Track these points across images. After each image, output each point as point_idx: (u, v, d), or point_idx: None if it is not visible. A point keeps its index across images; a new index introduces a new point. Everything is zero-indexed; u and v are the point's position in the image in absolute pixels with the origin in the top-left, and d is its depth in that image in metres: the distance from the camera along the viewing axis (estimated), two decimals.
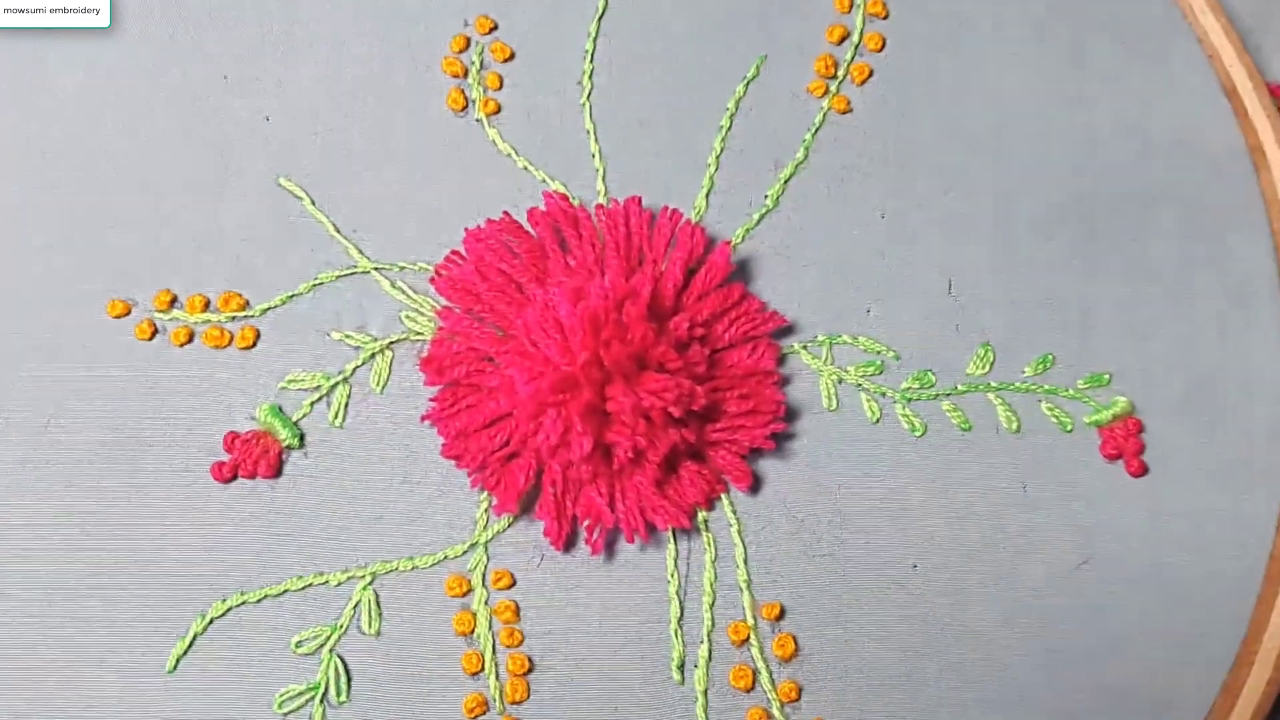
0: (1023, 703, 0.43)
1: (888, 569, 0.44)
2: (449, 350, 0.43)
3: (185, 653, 0.41)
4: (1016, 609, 0.44)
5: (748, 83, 0.48)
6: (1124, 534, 0.45)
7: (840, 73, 0.49)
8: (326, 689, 0.41)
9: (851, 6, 0.49)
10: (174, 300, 0.44)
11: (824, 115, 0.48)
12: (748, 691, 0.42)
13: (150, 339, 0.44)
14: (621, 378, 0.40)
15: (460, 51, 0.48)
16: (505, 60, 0.48)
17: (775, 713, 0.42)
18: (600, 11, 0.48)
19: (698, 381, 0.42)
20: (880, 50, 0.49)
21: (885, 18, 0.50)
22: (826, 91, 0.49)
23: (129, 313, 0.44)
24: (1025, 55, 0.50)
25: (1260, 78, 0.51)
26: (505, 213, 0.43)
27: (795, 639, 0.43)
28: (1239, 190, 0.49)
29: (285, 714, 0.41)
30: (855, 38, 0.49)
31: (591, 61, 0.48)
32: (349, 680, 0.41)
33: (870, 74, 0.49)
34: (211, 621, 0.41)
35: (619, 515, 0.42)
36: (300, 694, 0.41)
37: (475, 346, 0.43)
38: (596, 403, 0.40)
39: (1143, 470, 0.46)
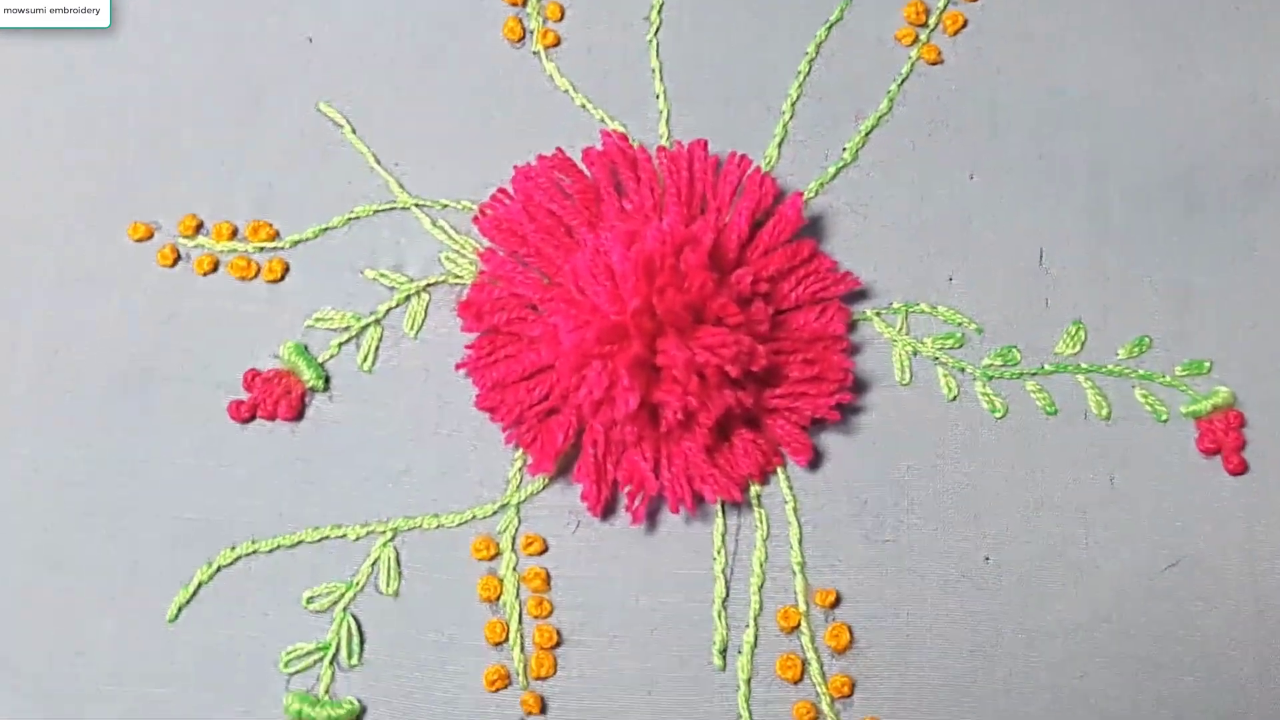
0: (1098, 714, 0.41)
1: (957, 560, 0.42)
2: (489, 295, 0.42)
3: (188, 602, 0.40)
4: (1097, 611, 0.42)
5: (830, 26, 0.47)
6: (1219, 537, 0.43)
7: (932, 21, 0.47)
8: (337, 650, 0.40)
9: None
10: (200, 226, 0.44)
11: (912, 65, 0.47)
12: (795, 683, 0.41)
13: (172, 266, 0.43)
14: (675, 330, 0.39)
15: None
16: None
17: (824, 708, 0.41)
18: None
19: (759, 341, 0.40)
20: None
21: None
22: (915, 40, 0.47)
23: (151, 237, 0.43)
24: (1128, 17, 0.48)
25: None
26: (558, 149, 0.43)
27: (850, 630, 0.41)
28: None
29: (291, 673, 0.40)
30: None
31: None
32: (362, 642, 0.40)
33: (964, 24, 0.47)
34: (219, 570, 0.41)
35: (664, 482, 0.41)
36: (309, 653, 0.40)
37: (518, 292, 0.42)
38: (646, 356, 0.39)
39: (1243, 468, 0.44)
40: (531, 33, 0.46)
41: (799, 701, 0.41)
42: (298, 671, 0.40)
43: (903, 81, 0.47)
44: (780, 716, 0.41)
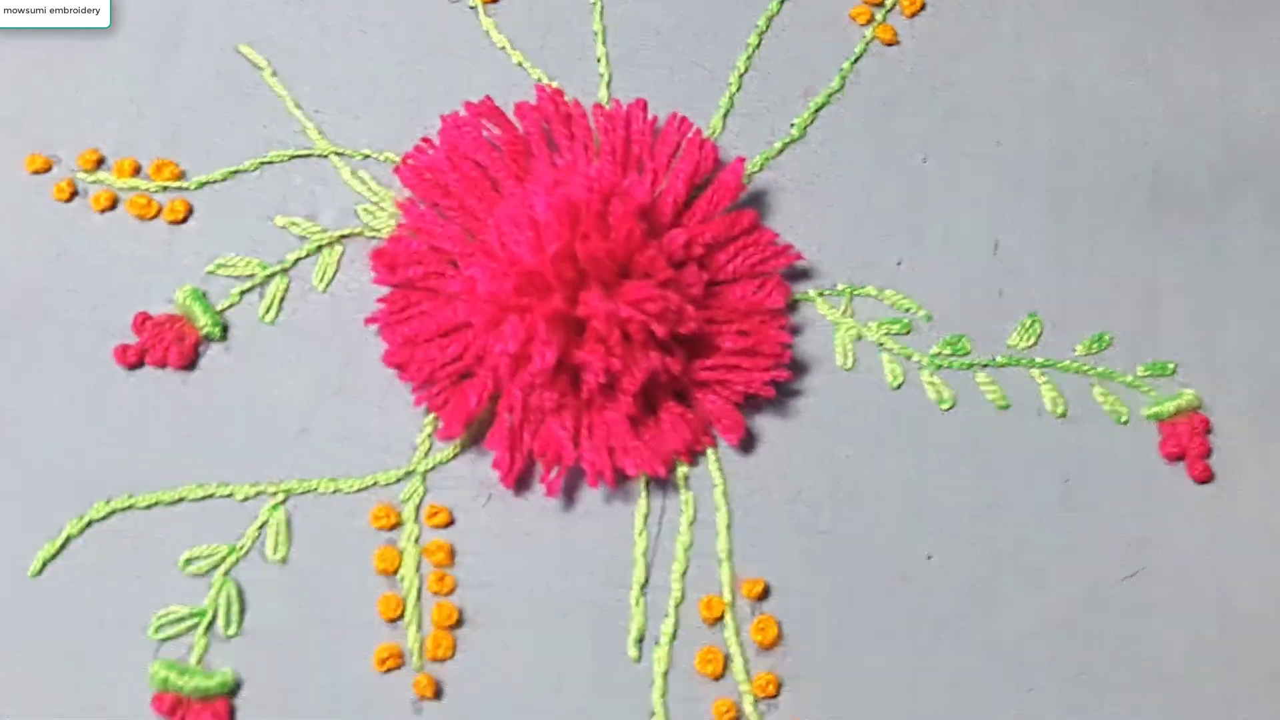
0: None
1: (897, 557, 0.41)
2: (407, 247, 0.41)
3: (54, 556, 0.38)
4: (1049, 621, 0.41)
5: (781, 1, 0.48)
6: (1182, 547, 0.42)
7: (889, 1, 0.48)
8: (214, 617, 0.38)
9: None
10: (101, 161, 0.43)
11: (866, 45, 0.47)
12: (716, 679, 0.39)
13: (68, 200, 0.42)
14: (599, 283, 0.39)
15: None
16: None
17: (746, 708, 0.39)
18: None
19: (690, 305, 0.40)
20: None
21: None
22: (871, 20, 0.48)
23: (49, 169, 0.43)
24: (1098, 7, 0.49)
25: None
26: (487, 98, 0.42)
27: (779, 625, 0.40)
28: None
29: (161, 640, 0.38)
30: None
31: None
32: (242, 611, 0.39)
33: (923, 6, 0.48)
34: (90, 524, 0.39)
35: (583, 454, 0.40)
36: (182, 619, 0.38)
37: (437, 246, 0.41)
38: (567, 311, 0.38)
39: (1208, 475, 0.43)
40: None
41: (719, 699, 0.39)
42: (168, 638, 0.38)
43: (856, 60, 0.47)
44: (698, 714, 0.39)
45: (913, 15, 0.48)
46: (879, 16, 0.48)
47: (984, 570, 0.41)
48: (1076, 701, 0.40)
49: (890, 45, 0.47)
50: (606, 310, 0.38)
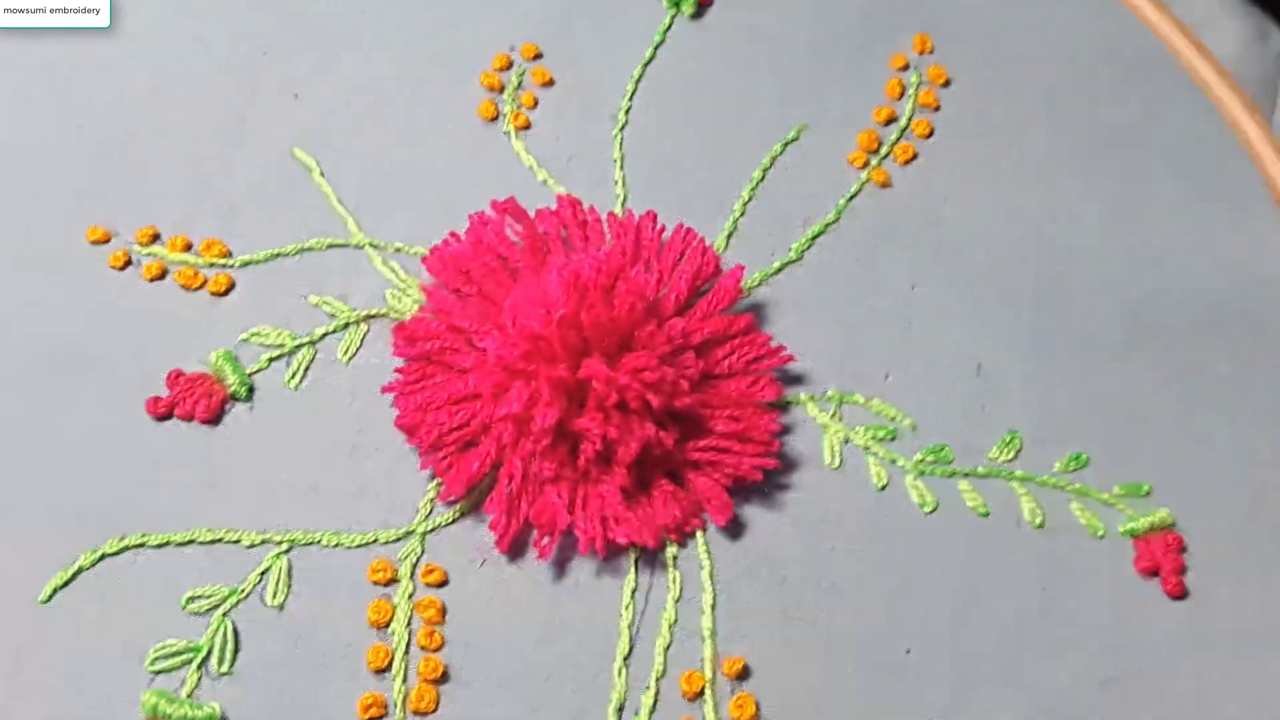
0: None
1: (877, 649, 0.42)
2: (426, 324, 0.45)
3: (64, 585, 0.40)
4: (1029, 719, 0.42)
5: (786, 144, 0.52)
6: (1161, 660, 0.43)
7: (884, 150, 0.53)
8: (209, 654, 0.40)
9: (903, 93, 0.54)
10: (156, 237, 0.47)
11: (862, 185, 0.52)
12: None
13: (122, 269, 0.46)
14: (601, 353, 0.42)
15: (501, 70, 0.52)
16: (544, 84, 0.52)
17: None
18: (648, 58, 0.53)
19: (686, 383, 0.43)
20: (928, 137, 0.53)
21: (937, 109, 0.54)
22: (866, 164, 0.52)
23: (108, 240, 0.46)
24: (1081, 166, 0.53)
25: None
26: (512, 197, 0.47)
27: (757, 704, 0.41)
28: None
29: (156, 672, 0.39)
30: (903, 121, 0.53)
31: (631, 100, 0.52)
32: (236, 650, 0.40)
33: (915, 156, 0.53)
34: (103, 558, 0.41)
35: (576, 521, 0.42)
36: (177, 653, 0.39)
37: (455, 324, 0.44)
38: (569, 378, 0.41)
39: (1181, 591, 0.44)
40: (504, 115, 0.51)
41: None
42: (163, 670, 0.39)
43: (851, 197, 0.51)
44: None
45: (906, 163, 0.52)
46: (874, 161, 0.52)
47: (961, 667, 0.42)
48: None
49: (884, 187, 0.52)
50: (606, 376, 0.40)
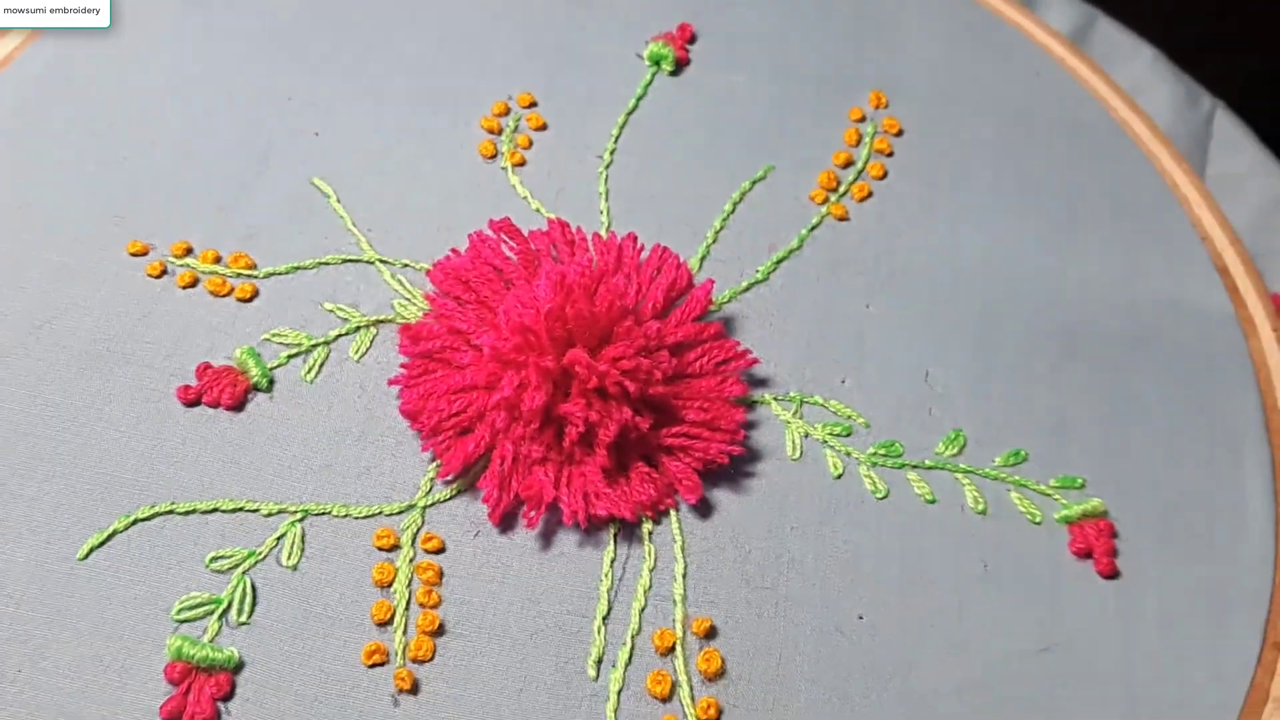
0: None
1: (832, 614, 0.47)
2: (429, 326, 0.50)
3: (100, 545, 0.45)
4: (970, 681, 0.46)
5: (754, 182, 0.58)
6: (1092, 632, 0.47)
7: (842, 189, 0.59)
8: (229, 607, 0.44)
9: (859, 140, 0.61)
10: (189, 250, 0.53)
11: (822, 218, 0.58)
12: (664, 701, 0.44)
13: (158, 277, 0.52)
14: (584, 346, 0.47)
15: (500, 115, 0.59)
16: (538, 129, 0.59)
17: None
18: (631, 108, 0.60)
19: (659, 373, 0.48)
20: (882, 178, 0.59)
21: (890, 154, 0.61)
22: (826, 200, 0.58)
23: (146, 253, 0.52)
24: (1022, 205, 0.59)
25: (1252, 263, 0.60)
26: (508, 217, 0.52)
27: (723, 659, 0.45)
28: (1228, 349, 0.56)
29: (180, 622, 0.44)
30: (860, 164, 0.60)
31: (615, 143, 0.59)
32: (253, 604, 0.44)
33: (870, 194, 0.59)
34: (136, 522, 0.45)
35: (560, 496, 0.47)
36: (200, 604, 0.44)
37: (455, 327, 0.50)
38: (554, 369, 0.47)
39: (1113, 571, 0.49)
40: (502, 154, 0.58)
41: (666, 716, 0.44)
42: (187, 620, 0.44)
43: (813, 229, 0.57)
44: None
45: (862, 200, 0.59)
46: (833, 198, 0.58)
47: (909, 632, 0.47)
48: None
49: (842, 220, 0.58)
50: (587, 363, 0.46)
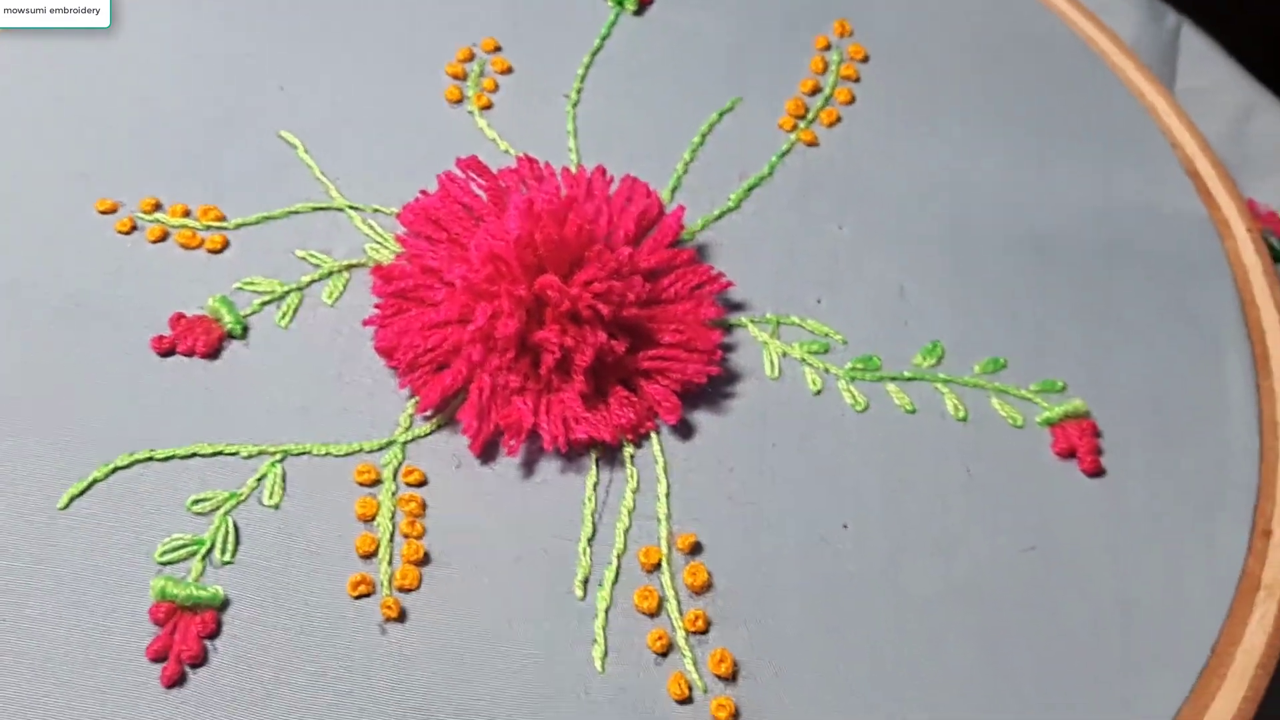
0: (956, 677, 0.43)
1: (816, 526, 0.46)
2: (402, 266, 0.50)
3: (80, 494, 0.44)
4: (957, 583, 0.45)
5: (722, 113, 0.58)
6: (1077, 530, 0.47)
7: (810, 115, 0.59)
8: (212, 547, 0.44)
9: (826, 68, 0.61)
10: (158, 205, 0.52)
11: (791, 145, 0.58)
12: (652, 616, 0.44)
13: (128, 233, 0.51)
14: (556, 272, 0.47)
15: (464, 61, 0.59)
16: (503, 72, 0.59)
17: (679, 640, 0.43)
18: (596, 48, 0.60)
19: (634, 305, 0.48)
20: (850, 103, 0.59)
21: (857, 80, 0.60)
22: (795, 127, 0.58)
23: (115, 210, 0.52)
24: (990, 124, 0.59)
25: (1224, 167, 0.59)
26: (474, 155, 0.52)
27: (709, 572, 0.45)
28: (1204, 251, 0.56)
29: (163, 564, 0.44)
30: (827, 90, 0.60)
31: (582, 83, 0.59)
32: (236, 544, 0.44)
33: (839, 119, 0.59)
34: (115, 470, 0.45)
35: (540, 423, 0.47)
36: (183, 546, 0.44)
37: (427, 265, 0.50)
38: (527, 296, 0.46)
39: (1098, 469, 0.49)
40: (468, 98, 0.58)
41: (654, 630, 0.44)
42: (170, 562, 0.43)
43: (783, 155, 0.57)
44: (635, 645, 0.43)
45: (830, 125, 0.58)
46: (802, 125, 0.58)
47: (894, 538, 0.46)
48: (981, 653, 0.44)
49: (811, 146, 0.58)
50: (559, 287, 0.46)
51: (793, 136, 0.58)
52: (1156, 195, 0.58)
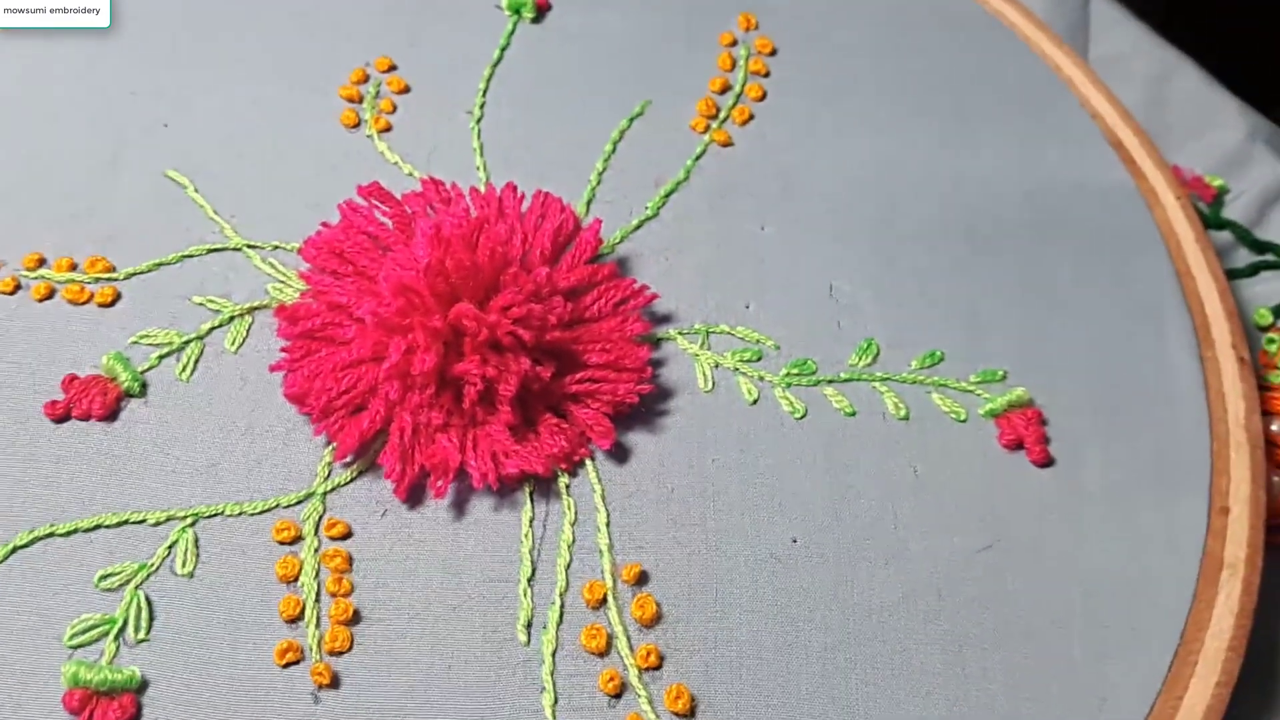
0: (921, 686, 0.42)
1: (765, 542, 0.45)
2: (307, 305, 0.47)
3: None
4: (914, 588, 0.44)
5: (632, 118, 0.56)
6: (1033, 523, 0.46)
7: (722, 114, 0.57)
8: (125, 625, 0.41)
9: (734, 65, 0.59)
10: (42, 261, 0.49)
11: (705, 146, 0.56)
12: (601, 655, 0.42)
13: (12, 294, 0.48)
14: (471, 300, 0.44)
15: (359, 83, 0.56)
16: (400, 91, 0.56)
17: (632, 679, 0.41)
18: (496, 59, 0.57)
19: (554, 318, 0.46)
20: (761, 99, 0.57)
21: (766, 75, 0.59)
22: (708, 128, 0.56)
23: None
24: (905, 108, 0.57)
25: (1146, 135, 0.59)
26: (376, 181, 0.50)
27: (658, 604, 0.43)
28: (1135, 223, 0.55)
29: (74, 647, 0.41)
30: (737, 88, 0.58)
31: (484, 96, 0.56)
32: (150, 619, 0.41)
33: (751, 116, 0.57)
34: (14, 550, 0.42)
35: (467, 461, 0.44)
36: (94, 626, 0.41)
37: (333, 300, 0.47)
38: (443, 328, 0.44)
39: (1046, 457, 0.47)
40: (365, 121, 0.55)
41: (605, 670, 0.41)
42: (81, 644, 0.40)
43: (698, 157, 0.55)
44: (586, 688, 0.41)
45: (744, 124, 0.57)
46: (714, 125, 0.56)
47: (846, 548, 0.45)
48: (945, 659, 0.43)
49: (726, 146, 0.56)
50: (476, 315, 0.43)
51: (706, 138, 0.56)
52: (1082, 169, 0.56)
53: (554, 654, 0.42)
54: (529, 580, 0.43)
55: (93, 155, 0.53)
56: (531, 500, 0.45)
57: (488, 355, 0.44)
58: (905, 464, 0.47)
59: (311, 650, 0.41)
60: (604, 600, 0.43)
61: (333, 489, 0.45)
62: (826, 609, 0.43)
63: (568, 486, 0.45)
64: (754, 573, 0.44)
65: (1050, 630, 0.44)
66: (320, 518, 0.44)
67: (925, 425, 0.48)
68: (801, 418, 0.48)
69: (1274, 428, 0.51)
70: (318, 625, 0.42)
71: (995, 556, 0.45)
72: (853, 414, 0.48)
